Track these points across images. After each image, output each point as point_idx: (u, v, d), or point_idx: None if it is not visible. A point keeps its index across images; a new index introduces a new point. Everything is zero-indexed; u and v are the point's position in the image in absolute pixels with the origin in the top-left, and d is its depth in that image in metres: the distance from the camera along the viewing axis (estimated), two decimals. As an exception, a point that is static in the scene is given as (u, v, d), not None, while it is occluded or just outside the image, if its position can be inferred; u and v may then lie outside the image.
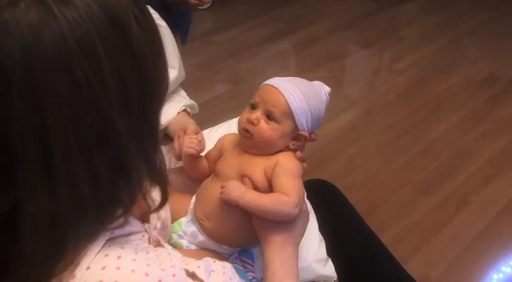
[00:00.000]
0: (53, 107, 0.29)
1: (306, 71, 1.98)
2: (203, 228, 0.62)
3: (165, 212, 0.51)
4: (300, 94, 0.61)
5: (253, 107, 0.63)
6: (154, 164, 0.38)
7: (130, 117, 0.32)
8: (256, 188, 0.60)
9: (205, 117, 1.86)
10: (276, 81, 0.63)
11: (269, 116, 0.61)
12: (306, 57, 2.14)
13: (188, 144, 0.66)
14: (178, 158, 0.68)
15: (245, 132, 0.62)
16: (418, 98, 1.83)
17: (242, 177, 0.61)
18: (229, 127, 0.82)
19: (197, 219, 0.63)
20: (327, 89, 0.67)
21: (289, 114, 0.61)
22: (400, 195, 1.41)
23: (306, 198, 0.71)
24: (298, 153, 0.62)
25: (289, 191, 0.57)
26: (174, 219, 0.63)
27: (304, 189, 0.59)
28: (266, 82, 0.64)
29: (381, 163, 1.53)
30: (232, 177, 0.62)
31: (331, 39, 2.23)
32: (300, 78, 0.65)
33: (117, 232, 0.39)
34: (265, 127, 0.61)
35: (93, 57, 0.28)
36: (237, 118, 0.87)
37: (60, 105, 0.28)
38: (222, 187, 0.58)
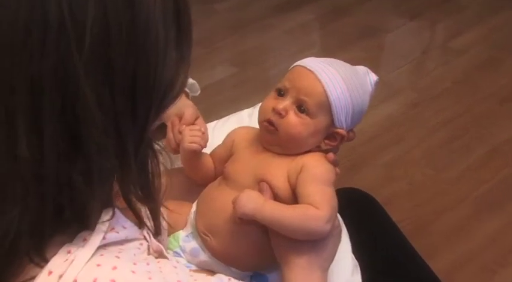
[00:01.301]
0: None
1: (333, 51, 1.98)
2: (206, 245, 0.64)
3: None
4: (341, 82, 0.62)
5: (281, 93, 0.64)
6: (139, 170, 0.39)
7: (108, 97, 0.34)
8: (276, 197, 0.61)
9: (204, 106, 1.84)
10: (313, 63, 0.63)
11: (300, 107, 0.62)
12: (333, 32, 2.14)
13: (190, 137, 0.67)
14: (175, 151, 0.70)
15: (268, 125, 0.63)
16: (483, 87, 1.83)
17: (259, 183, 0.62)
18: (240, 121, 0.84)
19: (199, 234, 0.65)
20: (374, 77, 0.68)
21: (327, 106, 0.61)
22: (456, 213, 1.42)
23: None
24: (331, 155, 0.63)
25: (319, 202, 0.57)
26: (169, 232, 0.65)
27: (336, 198, 0.61)
28: (299, 63, 0.65)
29: (430, 171, 1.54)
30: (246, 182, 0.63)
31: (366, 8, 2.23)
32: (341, 61, 0.66)
33: (111, 237, 0.41)
34: (294, 120, 0.61)
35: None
36: (249, 109, 0.89)
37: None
38: (233, 201, 0.59)
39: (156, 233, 0.46)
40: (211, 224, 0.64)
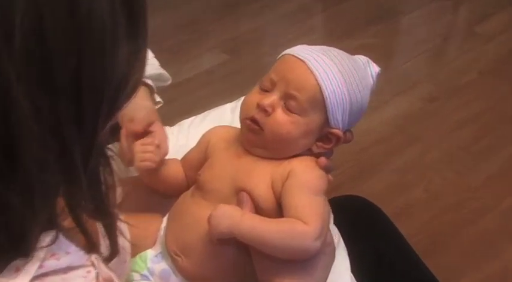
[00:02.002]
0: None
1: (339, 37, 1.99)
2: (178, 267, 0.63)
3: (122, 240, 0.52)
4: (338, 74, 0.61)
5: (267, 87, 0.63)
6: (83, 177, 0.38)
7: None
8: (258, 209, 0.61)
9: (187, 101, 1.88)
10: (304, 52, 0.62)
11: (290, 103, 0.61)
12: (338, 14, 2.14)
13: (141, 155, 0.66)
14: (129, 164, 0.69)
15: (251, 123, 0.62)
16: (512, 78, 1.84)
17: (238, 193, 0.62)
18: (221, 116, 0.84)
19: (169, 254, 0.64)
20: (376, 69, 0.67)
21: (320, 102, 0.61)
22: (480, 227, 1.41)
23: (332, 224, 0.72)
24: (322, 159, 0.63)
25: (307, 216, 0.57)
26: (135, 251, 0.64)
27: (329, 212, 0.60)
28: (288, 51, 0.64)
29: (451, 176, 1.53)
30: (223, 192, 0.62)
31: (379, -14, 2.24)
32: (338, 50, 0.65)
33: (50, 265, 0.40)
34: (282, 118, 0.61)
35: None
36: (233, 103, 0.88)
37: None
38: (208, 220, 0.58)
39: (112, 254, 0.45)
40: (183, 243, 0.63)
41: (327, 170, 0.63)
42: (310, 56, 0.61)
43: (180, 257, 0.63)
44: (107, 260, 0.46)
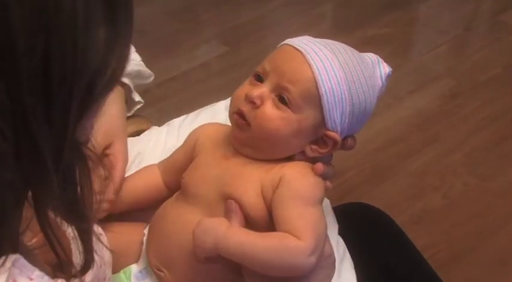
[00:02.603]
0: None
1: (350, 27, 1.98)
2: None
3: (99, 257, 0.52)
4: (338, 68, 0.60)
5: (259, 79, 0.63)
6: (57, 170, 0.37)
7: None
8: (246, 218, 0.60)
9: (181, 98, 1.88)
10: (304, 43, 0.62)
11: (281, 97, 0.61)
12: (350, 1, 2.14)
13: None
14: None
15: (238, 117, 0.62)
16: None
17: (225, 198, 0.61)
18: (214, 115, 0.83)
19: (152, 269, 0.64)
20: (387, 69, 0.66)
21: (316, 99, 0.60)
22: (505, 236, 1.41)
23: (337, 234, 0.72)
24: (319, 166, 0.62)
25: (300, 229, 0.56)
26: (119, 265, 0.64)
27: (324, 222, 0.59)
28: (287, 41, 0.64)
29: (473, 180, 1.53)
30: (208, 196, 0.62)
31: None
32: (344, 45, 0.64)
33: None
34: (271, 112, 0.60)
35: None
36: (227, 101, 0.87)
37: None
38: (193, 237, 0.57)
39: (85, 265, 0.44)
40: (165, 255, 0.63)
41: (324, 176, 0.62)
42: (309, 47, 0.61)
43: (162, 271, 0.63)
44: (82, 272, 0.45)
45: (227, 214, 0.60)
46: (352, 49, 0.64)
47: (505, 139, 1.63)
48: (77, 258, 0.46)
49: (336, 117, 0.61)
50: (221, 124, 0.70)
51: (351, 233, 0.73)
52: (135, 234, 0.67)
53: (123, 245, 0.63)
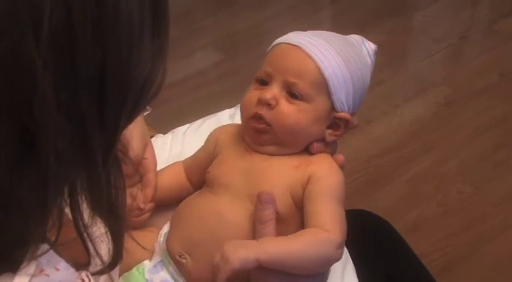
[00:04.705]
0: None
1: (347, 32, 1.89)
2: (183, 271, 0.65)
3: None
4: (335, 54, 0.65)
5: (264, 83, 0.66)
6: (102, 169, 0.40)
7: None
8: (276, 216, 0.62)
9: (177, 105, 1.87)
10: (296, 37, 0.66)
11: (292, 92, 0.64)
12: (347, 9, 2.16)
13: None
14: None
15: (256, 122, 0.65)
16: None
17: (251, 189, 0.63)
18: (219, 123, 0.86)
19: (173, 258, 0.66)
20: (372, 46, 0.71)
21: (323, 85, 0.64)
22: (501, 244, 1.42)
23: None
24: (340, 156, 0.67)
25: (329, 223, 0.60)
26: (131, 263, 0.67)
27: (344, 219, 0.62)
28: (279, 40, 0.68)
29: (468, 189, 1.55)
30: (234, 186, 0.65)
31: (391, -21, 2.26)
32: (328, 31, 0.69)
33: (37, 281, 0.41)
34: (288, 109, 0.64)
35: None
36: (231, 109, 0.90)
37: None
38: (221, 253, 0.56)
39: (115, 261, 0.46)
40: (189, 241, 0.65)
41: (343, 166, 0.67)
42: (303, 40, 0.65)
43: (185, 258, 0.64)
44: (110, 267, 0.47)
45: (260, 205, 0.61)
46: (337, 34, 0.69)
47: (501, 147, 1.64)
48: (105, 255, 0.48)
49: (342, 97, 0.66)
50: (238, 124, 0.73)
51: (351, 239, 0.75)
52: (147, 235, 0.70)
53: (135, 243, 0.65)
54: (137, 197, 0.69)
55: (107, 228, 0.45)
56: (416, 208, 1.49)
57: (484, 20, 2.17)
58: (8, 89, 0.33)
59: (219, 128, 0.74)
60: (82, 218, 0.42)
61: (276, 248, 0.58)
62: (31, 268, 0.41)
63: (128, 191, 0.69)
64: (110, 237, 0.45)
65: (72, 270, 0.45)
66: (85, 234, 0.42)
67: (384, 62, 1.72)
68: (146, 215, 0.70)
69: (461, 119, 1.73)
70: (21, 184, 0.36)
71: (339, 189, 0.63)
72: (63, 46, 0.34)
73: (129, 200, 0.68)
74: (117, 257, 0.47)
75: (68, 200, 0.40)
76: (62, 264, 0.44)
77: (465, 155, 1.63)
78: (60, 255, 0.44)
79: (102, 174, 0.40)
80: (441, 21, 2.11)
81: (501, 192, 1.53)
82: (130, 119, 0.41)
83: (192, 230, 0.65)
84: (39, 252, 0.41)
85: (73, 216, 0.41)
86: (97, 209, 0.42)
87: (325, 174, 0.64)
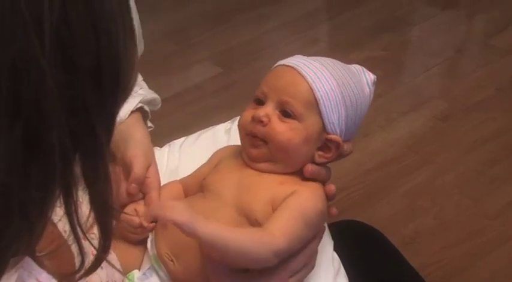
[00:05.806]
0: None
1: (344, 49, 2.03)
2: (170, 273, 0.66)
3: (104, 269, 0.55)
4: (329, 76, 0.68)
5: (260, 102, 0.70)
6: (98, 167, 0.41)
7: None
8: (254, 223, 0.65)
9: (174, 119, 1.86)
10: (294, 60, 0.70)
11: (284, 111, 0.67)
12: (343, 24, 2.18)
13: (125, 227, 0.69)
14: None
15: (251, 138, 0.68)
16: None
17: (237, 202, 0.66)
18: (215, 137, 0.88)
19: (162, 260, 0.67)
20: (371, 76, 0.74)
21: (314, 105, 0.67)
22: (498, 257, 1.42)
23: (332, 250, 0.75)
24: (331, 186, 0.68)
25: (281, 230, 0.61)
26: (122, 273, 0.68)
27: (298, 240, 0.63)
28: (279, 62, 0.71)
29: (465, 202, 1.55)
30: (224, 197, 0.67)
31: (387, -6, 2.29)
32: (332, 59, 0.72)
33: None
34: (280, 126, 0.67)
35: None
36: (227, 124, 0.92)
37: None
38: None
39: (104, 251, 0.46)
40: (175, 242, 0.66)
41: (331, 198, 0.68)
42: (300, 63, 0.69)
43: (172, 260, 0.66)
44: (99, 260, 0.46)
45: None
46: (337, 61, 0.72)
47: (497, 161, 1.65)
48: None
49: (334, 119, 0.68)
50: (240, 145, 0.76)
51: (345, 249, 0.76)
52: (135, 246, 0.71)
53: (126, 256, 0.67)
54: (141, 215, 0.70)
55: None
56: (413, 221, 1.50)
57: (480, 35, 2.20)
58: (15, 90, 0.34)
59: (225, 147, 0.77)
60: (77, 214, 0.42)
61: (216, 227, 0.59)
62: (11, 280, 0.40)
63: (129, 207, 0.71)
64: (99, 228, 0.45)
65: (54, 281, 0.45)
66: (78, 229, 0.42)
67: (380, 76, 1.68)
68: (147, 234, 0.71)
69: (458, 133, 1.75)
70: (28, 184, 0.37)
71: (311, 215, 0.65)
72: (63, 43, 0.36)
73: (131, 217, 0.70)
74: (105, 248, 0.46)
75: (62, 196, 0.40)
76: (44, 276, 0.44)
77: (462, 168, 1.64)
78: (42, 267, 0.44)
79: (107, 165, 0.41)
80: (437, 35, 2.13)
81: (498, 205, 1.54)
82: (122, 103, 0.42)
83: (176, 233, 0.65)
84: (19, 264, 0.41)
85: (67, 213, 0.41)
86: (95, 202, 0.42)
87: (306, 196, 0.66)
